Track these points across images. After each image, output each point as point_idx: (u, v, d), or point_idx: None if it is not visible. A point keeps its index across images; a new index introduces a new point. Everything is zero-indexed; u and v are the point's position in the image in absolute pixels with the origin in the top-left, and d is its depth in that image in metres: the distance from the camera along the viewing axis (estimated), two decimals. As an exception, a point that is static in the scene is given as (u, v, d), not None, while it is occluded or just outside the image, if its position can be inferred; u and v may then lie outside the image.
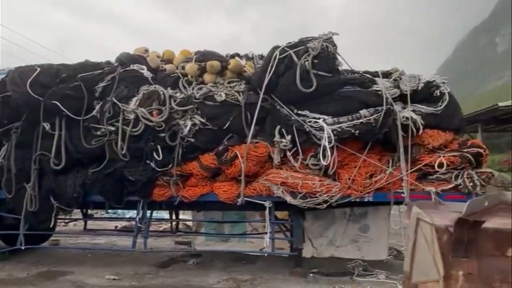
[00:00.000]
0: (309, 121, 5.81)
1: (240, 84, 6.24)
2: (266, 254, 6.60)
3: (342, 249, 7.78)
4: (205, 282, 5.95)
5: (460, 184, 5.87)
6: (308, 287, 5.86)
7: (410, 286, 3.35)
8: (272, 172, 6.05)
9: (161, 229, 9.97)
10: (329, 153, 5.63)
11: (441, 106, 6.01)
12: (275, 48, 6.06)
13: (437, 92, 6.05)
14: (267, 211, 6.10)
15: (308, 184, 5.86)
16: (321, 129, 5.75)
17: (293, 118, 5.92)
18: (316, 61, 5.74)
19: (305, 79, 5.70)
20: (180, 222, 8.52)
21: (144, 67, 6.47)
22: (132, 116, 5.90)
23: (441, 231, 3.06)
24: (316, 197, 5.87)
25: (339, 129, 5.66)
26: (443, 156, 5.94)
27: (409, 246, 3.40)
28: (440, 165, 5.90)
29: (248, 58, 6.91)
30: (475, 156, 5.99)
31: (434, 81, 6.12)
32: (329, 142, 5.64)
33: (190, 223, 9.34)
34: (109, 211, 9.59)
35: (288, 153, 6.00)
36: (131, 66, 6.41)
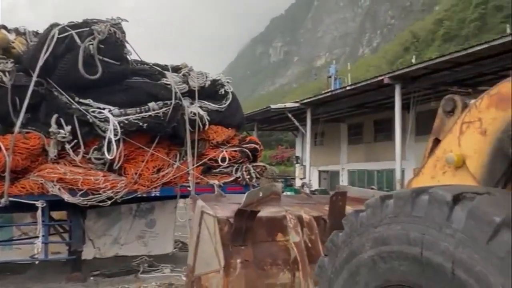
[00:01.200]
0: (93, 111, 5.32)
1: (7, 63, 5.22)
2: (37, 262, 5.73)
3: (127, 246, 7.47)
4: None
5: (240, 177, 6.36)
6: (87, 292, 5.36)
7: (193, 279, 3.39)
8: (46, 167, 5.28)
9: None
10: (114, 146, 5.26)
11: (225, 104, 6.37)
12: (53, 25, 5.32)
13: (222, 91, 6.40)
14: (39, 212, 5.29)
15: (90, 180, 5.35)
16: (106, 120, 5.32)
17: (74, 106, 5.30)
18: (102, 46, 5.27)
19: (89, 64, 5.17)
20: None
21: None
22: None
23: (222, 222, 3.19)
24: (100, 193, 5.41)
25: (127, 121, 5.36)
26: (226, 151, 6.32)
27: (193, 239, 3.43)
28: (223, 159, 6.25)
29: (18, 32, 5.86)
30: (252, 151, 6.59)
31: (220, 80, 6.46)
32: (115, 135, 5.28)
33: None
34: None
35: (68, 146, 5.34)
36: None
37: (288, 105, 16.36)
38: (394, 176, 15.61)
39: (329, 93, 15.36)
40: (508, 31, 19.49)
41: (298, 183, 19.93)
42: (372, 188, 4.86)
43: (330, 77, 21.24)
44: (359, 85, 13.30)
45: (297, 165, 23.40)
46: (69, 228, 6.41)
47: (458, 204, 1.50)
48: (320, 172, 21.89)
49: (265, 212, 3.42)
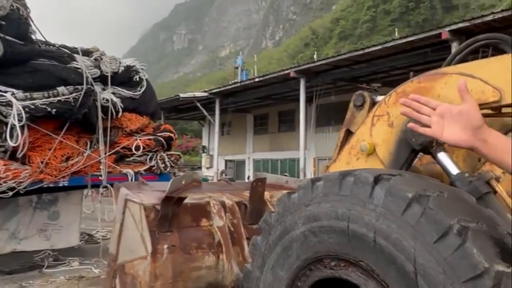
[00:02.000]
0: (-7, 94, 4.84)
1: None
2: None
3: (27, 241, 6.94)
4: None
5: (154, 166, 6.31)
6: (-14, 291, 4.94)
7: (115, 267, 3.37)
8: None
9: None
10: (19, 132, 4.87)
11: (140, 91, 6.23)
12: None
13: (137, 78, 6.25)
14: None
15: (-12, 169, 4.89)
16: (8, 104, 4.89)
17: (-32, 88, 4.78)
18: (3, 23, 4.82)
19: (-12, 42, 4.70)
20: None
21: None
22: None
23: (149, 209, 3.22)
24: (0, 184, 4.98)
25: (33, 106, 4.98)
26: (140, 139, 6.21)
27: (116, 228, 3.40)
28: (137, 147, 6.15)
29: None
30: (166, 139, 6.57)
31: (135, 66, 6.29)
32: (19, 120, 4.88)
33: None
34: None
35: (-39, 132, 4.81)
36: None
37: (197, 94, 16.35)
38: (296, 165, 16.58)
39: (238, 84, 15.68)
40: (397, 34, 21.69)
41: (204, 172, 20.06)
42: (285, 175, 5.21)
43: (237, 68, 21.60)
44: (267, 77, 13.80)
45: (203, 155, 23.53)
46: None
47: (378, 184, 1.79)
48: (226, 161, 22.25)
49: (189, 198, 3.53)
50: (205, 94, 15.78)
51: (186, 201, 3.42)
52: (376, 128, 2.56)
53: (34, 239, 6.97)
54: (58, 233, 7.19)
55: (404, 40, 10.10)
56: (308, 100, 13.60)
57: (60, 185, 5.66)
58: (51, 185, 5.59)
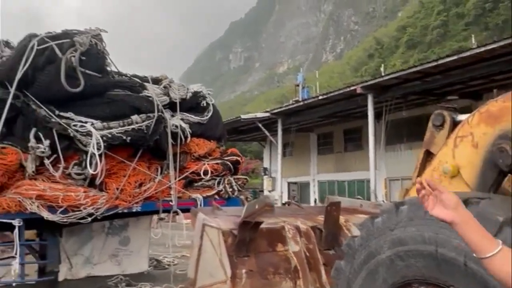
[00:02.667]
0: (75, 125, 5.46)
1: (-19, 75, 5.29)
2: (14, 284, 5.74)
3: (100, 266, 7.53)
4: None
5: (222, 190, 6.66)
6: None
7: (195, 291, 3.66)
8: (24, 183, 5.36)
9: None
10: (98, 160, 5.43)
11: (207, 116, 6.67)
12: (31, 36, 5.45)
13: (204, 103, 6.69)
14: (16, 231, 5.35)
15: (71, 196, 5.47)
16: (88, 134, 5.48)
17: (53, 120, 5.42)
18: (84, 58, 5.46)
19: (71, 76, 5.34)
20: None
21: None
22: None
23: (226, 234, 3.51)
24: (80, 210, 5.54)
25: (110, 135, 5.54)
26: (208, 164, 6.60)
27: (194, 252, 3.71)
28: (205, 172, 6.53)
29: (-11, 43, 5.92)
30: (233, 163, 6.92)
31: (201, 91, 6.75)
32: (98, 149, 5.45)
33: None
34: None
35: (47, 161, 5.45)
36: None
37: (259, 115, 16.82)
38: (366, 186, 16.34)
39: (301, 103, 15.95)
40: (473, 40, 20.96)
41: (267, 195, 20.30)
42: (359, 198, 5.31)
43: (297, 85, 21.90)
44: (331, 94, 13.94)
45: (265, 177, 23.86)
46: (39, 247, 6.46)
47: (467, 207, 1.92)
48: (289, 183, 22.42)
49: (264, 223, 3.76)
50: (267, 114, 16.20)
51: (261, 226, 3.67)
52: (460, 149, 2.65)
53: (106, 264, 7.55)
54: (129, 258, 7.73)
55: (483, 49, 9.80)
56: (377, 116, 13.52)
57: (134, 210, 6.15)
58: (125, 211, 6.10)
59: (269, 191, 21.66)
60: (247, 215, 3.53)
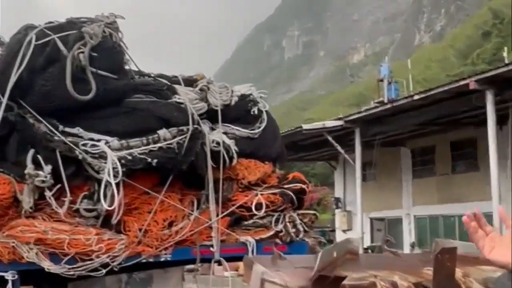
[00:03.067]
0: (84, 144, 5.70)
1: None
2: None
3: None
4: None
5: (282, 231, 6.69)
6: None
7: None
8: (19, 224, 5.65)
9: None
10: (115, 191, 5.63)
11: (259, 128, 6.75)
12: (28, 28, 5.78)
13: (255, 110, 6.79)
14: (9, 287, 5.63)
15: (79, 241, 5.69)
16: (102, 156, 5.70)
17: (56, 138, 5.69)
18: (95, 54, 5.72)
19: (79, 80, 5.60)
20: None
21: None
22: None
23: (295, 293, 3.53)
24: (92, 259, 5.75)
25: (130, 157, 5.73)
26: (262, 195, 6.66)
27: (251, 316, 3.75)
28: (258, 206, 6.59)
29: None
30: (296, 193, 6.94)
31: (251, 94, 6.86)
32: (115, 176, 5.65)
33: None
34: None
35: (48, 193, 5.72)
36: None
37: (328, 123, 16.78)
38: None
39: (388, 105, 15.81)
40: None
41: (339, 236, 20.15)
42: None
43: (381, 80, 21.74)
44: (431, 92, 13.72)
45: (337, 211, 23.67)
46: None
47: None
48: (372, 219, 22.11)
49: (347, 278, 3.76)
50: (339, 122, 16.09)
51: (343, 282, 3.66)
52: None
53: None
54: (155, 324, 7.90)
55: None
56: (499, 122, 13.10)
57: (162, 259, 6.30)
58: (150, 260, 6.26)
59: (344, 231, 21.46)
60: (322, 267, 3.54)
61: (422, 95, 13.79)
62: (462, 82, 12.34)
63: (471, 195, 17.78)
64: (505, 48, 25.56)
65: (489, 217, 14.84)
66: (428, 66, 70.85)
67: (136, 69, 6.78)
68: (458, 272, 3.93)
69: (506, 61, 14.76)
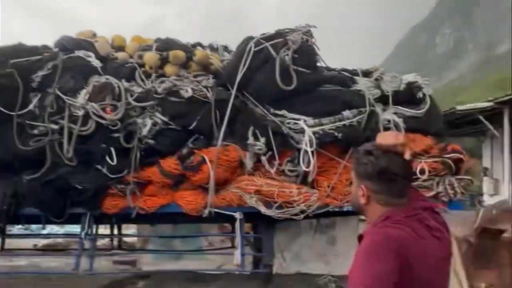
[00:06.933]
0: (288, 122, 5.92)
1: (208, 79, 6.19)
2: (237, 272, 6.59)
3: (308, 264, 7.99)
4: (163, 308, 5.80)
5: (442, 192, 6.30)
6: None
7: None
8: (244, 179, 6.06)
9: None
10: (311, 157, 5.77)
11: (423, 108, 6.41)
12: (249, 39, 6.10)
13: (420, 94, 6.45)
14: (237, 224, 6.11)
15: (285, 193, 5.95)
16: (301, 131, 5.87)
17: (269, 118, 5.98)
18: (296, 55, 5.86)
19: (285, 75, 5.80)
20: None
21: (92, 54, 6.19)
22: (80, 113, 5.61)
23: (461, 241, 3.34)
24: (293, 206, 5.98)
25: (321, 132, 5.83)
26: (425, 162, 6.33)
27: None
28: (422, 171, 6.28)
29: (212, 48, 6.89)
30: (455, 162, 6.47)
31: (417, 81, 6.53)
32: (310, 146, 5.78)
33: (128, 240, 9.06)
34: (19, 226, 9.01)
35: (263, 158, 6.05)
36: (75, 52, 6.09)
37: (479, 105, 15.31)
38: None
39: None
40: None
41: (488, 200, 18.39)
42: None
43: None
44: None
45: (485, 178, 21.55)
46: (254, 240, 7.20)
47: None
48: (517, 187, 19.80)
49: (507, 232, 3.45)
50: (489, 104, 14.64)
51: (504, 234, 3.38)
52: None
53: (314, 262, 7.96)
54: (336, 259, 7.97)
55: None
56: None
57: (344, 209, 6.33)
58: (335, 209, 6.33)
59: (490, 195, 19.54)
60: (484, 221, 3.30)
61: None
62: None
63: None
64: None
65: None
66: None
67: (325, 65, 6.80)
68: None
69: None
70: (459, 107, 15.33)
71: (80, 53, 6.11)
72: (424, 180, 6.36)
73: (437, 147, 6.59)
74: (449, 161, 6.41)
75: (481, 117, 15.18)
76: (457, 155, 6.53)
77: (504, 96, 14.53)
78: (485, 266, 3.06)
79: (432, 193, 6.34)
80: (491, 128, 15.82)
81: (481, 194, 21.01)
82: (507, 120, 14.60)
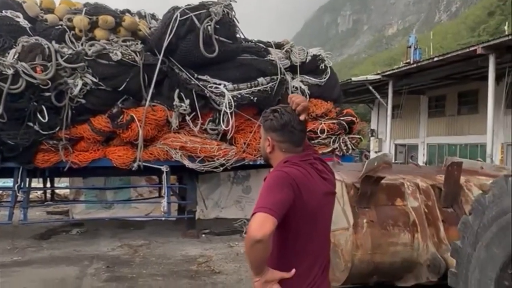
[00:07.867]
0: (210, 86, 5.89)
1: (136, 44, 5.92)
2: (163, 219, 6.60)
3: (227, 210, 8.23)
4: (98, 250, 5.70)
5: (337, 148, 6.72)
6: (204, 246, 6.07)
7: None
8: (170, 136, 6.01)
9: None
10: (230, 118, 5.83)
11: (324, 78, 6.68)
12: (175, 9, 5.90)
13: (322, 66, 6.70)
14: (164, 176, 6.07)
15: (206, 149, 6.00)
16: (221, 94, 5.88)
17: (193, 82, 5.91)
18: (217, 26, 5.78)
19: (207, 44, 5.72)
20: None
21: (20, 14, 5.63)
22: (10, 71, 5.14)
23: (349, 186, 3.61)
24: (214, 161, 6.06)
25: (239, 95, 5.89)
26: (324, 123, 6.68)
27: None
28: (322, 131, 6.62)
29: (140, 16, 6.56)
30: (348, 123, 6.90)
31: (320, 55, 6.76)
32: (229, 108, 5.84)
33: (60, 192, 8.66)
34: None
35: (188, 118, 6.01)
36: (3, 12, 5.50)
37: (370, 77, 16.20)
38: (480, 151, 15.05)
39: (414, 65, 14.98)
40: None
41: (373, 155, 19.78)
42: (479, 161, 5.01)
43: (409, 47, 20.45)
44: (448, 55, 12.85)
45: (372, 138, 23.20)
46: (178, 190, 7.21)
47: None
48: (396, 145, 21.53)
49: (384, 179, 3.78)
50: (378, 76, 15.57)
51: (382, 181, 3.70)
52: None
53: (232, 209, 8.22)
54: (250, 205, 8.28)
55: None
56: (497, 79, 12.18)
57: (258, 163, 6.52)
58: (250, 163, 6.51)
59: (375, 152, 21.04)
60: (368, 171, 3.58)
61: (441, 57, 13.00)
62: (471, 49, 11.50)
63: (470, 131, 16.94)
64: (506, 23, 23.23)
65: (481, 146, 14.16)
66: (445, 37, 65.58)
67: (243, 37, 6.78)
68: (462, 179, 3.87)
69: (506, 33, 13.52)
70: (354, 79, 16.14)
71: (8, 13, 5.53)
72: (324, 138, 6.75)
73: (334, 111, 6.96)
74: (344, 123, 6.83)
75: (371, 88, 16.14)
76: (351, 118, 6.97)
77: (390, 70, 15.51)
78: (367, 206, 3.35)
79: (329, 149, 6.75)
80: (378, 97, 16.93)
81: (368, 151, 22.61)
82: (391, 91, 15.61)
